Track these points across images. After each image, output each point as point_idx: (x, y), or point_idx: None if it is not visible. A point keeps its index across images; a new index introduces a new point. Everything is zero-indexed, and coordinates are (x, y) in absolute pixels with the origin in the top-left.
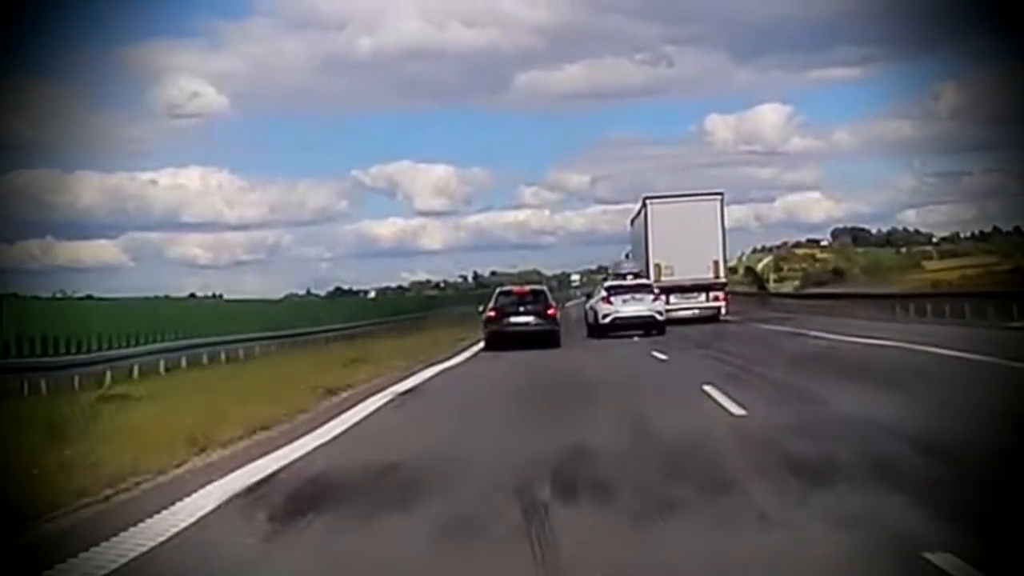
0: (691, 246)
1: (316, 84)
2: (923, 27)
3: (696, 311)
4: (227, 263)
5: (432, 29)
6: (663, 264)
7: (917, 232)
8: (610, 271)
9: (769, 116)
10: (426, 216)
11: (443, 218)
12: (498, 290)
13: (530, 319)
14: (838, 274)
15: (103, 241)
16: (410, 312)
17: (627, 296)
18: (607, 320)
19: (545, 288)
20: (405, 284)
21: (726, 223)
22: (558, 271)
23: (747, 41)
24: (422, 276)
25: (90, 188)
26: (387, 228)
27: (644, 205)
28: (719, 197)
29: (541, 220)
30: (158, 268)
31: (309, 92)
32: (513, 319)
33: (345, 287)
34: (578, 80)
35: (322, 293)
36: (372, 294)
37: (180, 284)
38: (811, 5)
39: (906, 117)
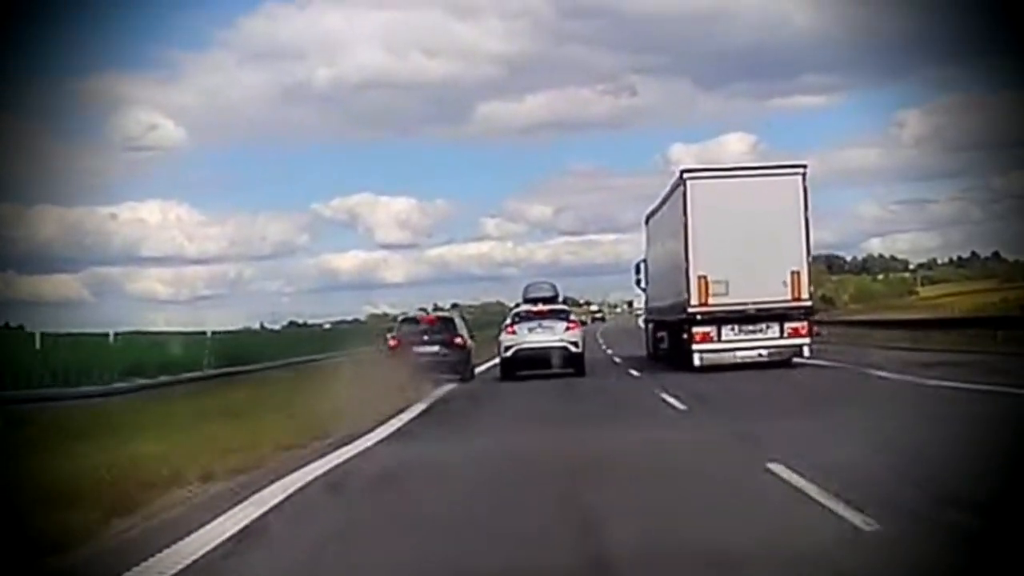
0: (757, 248)
1: (275, 116)
2: (887, 55)
3: (764, 351)
4: (188, 297)
5: (393, 59)
6: (711, 278)
7: (893, 259)
8: (523, 297)
9: (734, 145)
10: (388, 249)
11: (405, 251)
12: (400, 318)
13: (435, 348)
14: (827, 302)
15: (63, 276)
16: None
17: (534, 323)
18: (509, 353)
19: (455, 316)
20: (362, 318)
21: (810, 211)
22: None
23: (711, 70)
24: (384, 309)
25: (50, 222)
26: (348, 261)
27: (681, 183)
28: (801, 171)
29: (504, 252)
30: (119, 303)
31: (268, 124)
32: (416, 349)
33: (300, 320)
34: (540, 110)
35: (277, 327)
36: (327, 326)
37: (142, 319)
38: (775, 34)
39: (870, 145)
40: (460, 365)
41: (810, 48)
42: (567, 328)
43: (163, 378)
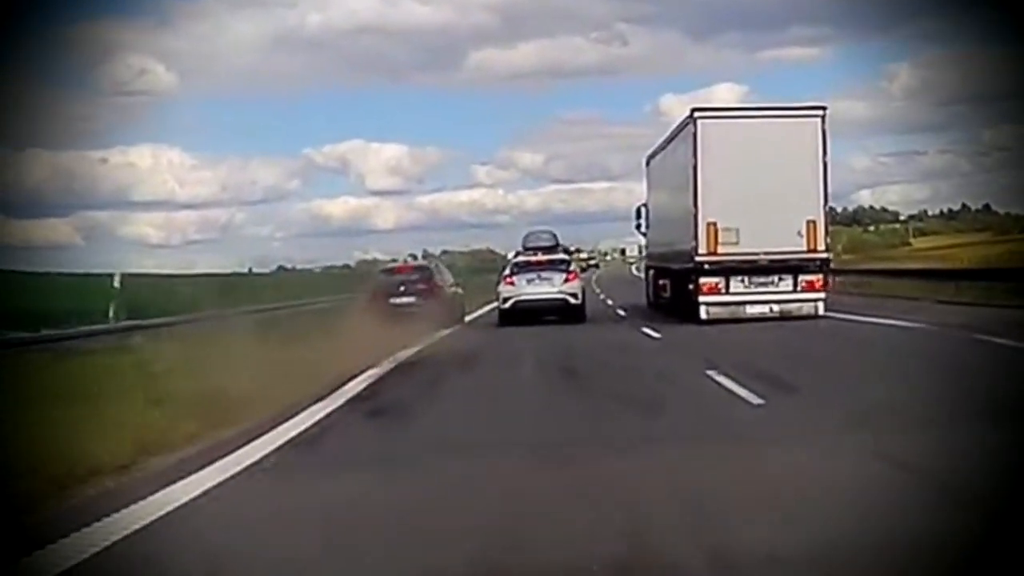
0: (771, 195)
1: (267, 62)
2: (877, 8)
3: (777, 306)
4: (179, 242)
5: (384, 6)
6: (721, 226)
7: (884, 210)
8: (522, 245)
9: (724, 95)
10: (378, 195)
11: (396, 197)
12: (379, 269)
13: (411, 299)
14: None
15: (54, 220)
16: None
17: (532, 275)
18: (507, 305)
19: (432, 265)
20: (351, 263)
21: (828, 156)
22: (512, 250)
23: (701, 20)
24: (374, 255)
25: (40, 166)
26: (339, 207)
27: (690, 122)
28: (820, 114)
29: (495, 199)
30: (110, 247)
31: (259, 70)
32: (393, 300)
33: (289, 266)
34: (532, 58)
35: (266, 271)
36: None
37: (133, 264)
38: None
39: (860, 98)
40: (441, 315)
41: (800, 0)
42: (566, 279)
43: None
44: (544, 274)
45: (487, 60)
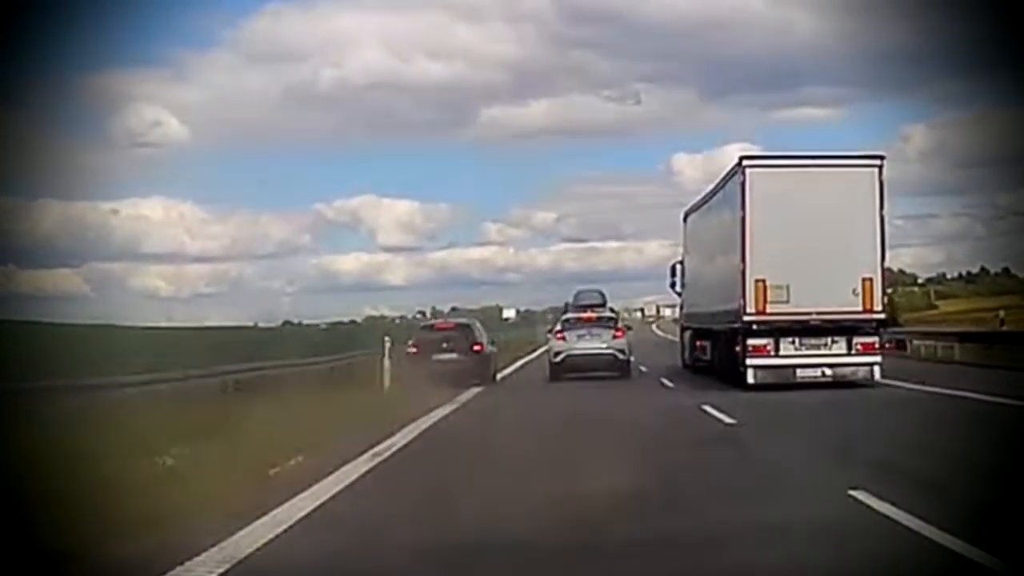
0: (825, 250)
1: (279, 116)
2: (892, 69)
3: (830, 370)
4: (189, 295)
5: (397, 62)
6: (770, 283)
7: (902, 272)
8: (571, 302)
9: (737, 155)
10: (389, 251)
11: (406, 253)
12: (421, 325)
13: (453, 355)
14: None
15: (65, 270)
16: None
17: (583, 331)
18: (559, 359)
19: (474, 323)
20: (359, 319)
21: (886, 210)
22: (522, 308)
23: (715, 79)
24: (384, 311)
25: (52, 216)
26: (350, 263)
27: (738, 171)
28: (878, 163)
29: (506, 257)
30: (120, 299)
31: (272, 124)
32: (435, 356)
33: (295, 321)
34: (545, 116)
35: (273, 326)
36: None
37: (142, 315)
38: (780, 45)
39: None
40: (480, 373)
41: (815, 60)
42: (614, 336)
43: None
44: (594, 330)
45: (499, 117)
